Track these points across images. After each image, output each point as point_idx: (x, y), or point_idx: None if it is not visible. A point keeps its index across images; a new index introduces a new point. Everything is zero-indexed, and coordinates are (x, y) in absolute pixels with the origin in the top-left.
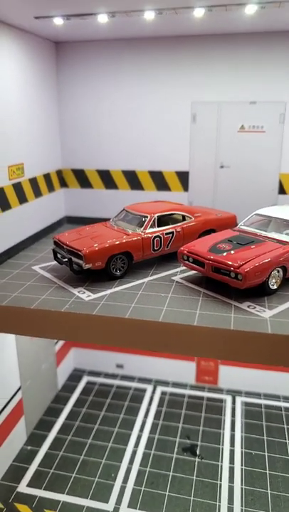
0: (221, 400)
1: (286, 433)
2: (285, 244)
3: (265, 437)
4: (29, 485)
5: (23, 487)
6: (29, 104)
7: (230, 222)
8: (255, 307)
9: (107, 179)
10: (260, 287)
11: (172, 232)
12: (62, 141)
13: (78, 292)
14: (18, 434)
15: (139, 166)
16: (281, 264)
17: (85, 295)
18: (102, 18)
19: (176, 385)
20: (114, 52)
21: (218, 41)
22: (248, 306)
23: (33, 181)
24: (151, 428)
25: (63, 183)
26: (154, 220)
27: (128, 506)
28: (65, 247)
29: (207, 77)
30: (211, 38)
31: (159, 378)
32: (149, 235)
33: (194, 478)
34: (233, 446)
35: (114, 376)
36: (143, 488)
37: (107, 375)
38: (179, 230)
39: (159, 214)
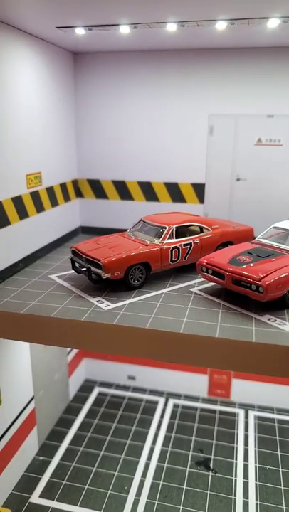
0: (233, 414)
1: None
2: None
3: (279, 452)
4: (42, 496)
5: (35, 498)
6: (47, 113)
7: (248, 235)
8: (275, 320)
9: (123, 190)
10: (280, 300)
11: (190, 244)
12: (79, 152)
13: (97, 302)
14: (31, 444)
15: (155, 178)
16: None
17: (103, 305)
18: (124, 30)
19: (188, 397)
20: (132, 64)
21: (236, 55)
22: (269, 319)
23: (50, 190)
24: (163, 441)
25: (79, 193)
26: (172, 231)
27: None
28: (83, 256)
29: (225, 90)
30: (229, 51)
31: (171, 391)
32: (168, 246)
33: (208, 492)
34: (247, 461)
35: (125, 388)
36: (157, 502)
37: (118, 387)
38: (196, 241)
39: (177, 225)
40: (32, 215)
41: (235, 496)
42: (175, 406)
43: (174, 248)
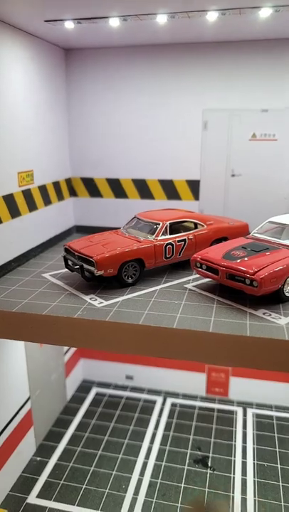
0: (231, 412)
1: None
2: None
3: (277, 449)
4: (39, 496)
5: (32, 498)
6: (38, 111)
7: (243, 231)
8: (270, 314)
9: (117, 188)
10: (274, 294)
11: (184, 240)
12: (72, 149)
13: (90, 299)
14: (27, 445)
15: (149, 175)
16: None
17: (96, 302)
18: (114, 22)
19: (186, 396)
20: (125, 59)
21: (230, 48)
22: (264, 313)
23: (43, 189)
24: (161, 439)
25: (72, 192)
26: (166, 228)
27: None
28: (76, 253)
29: (219, 84)
30: (223, 45)
31: (168, 390)
32: (162, 242)
33: (206, 490)
34: (245, 458)
35: (123, 387)
36: (154, 500)
37: (116, 387)
38: (191, 237)
39: (171, 221)
40: (24, 214)
41: (233, 493)
42: (173, 405)
43: (168, 244)
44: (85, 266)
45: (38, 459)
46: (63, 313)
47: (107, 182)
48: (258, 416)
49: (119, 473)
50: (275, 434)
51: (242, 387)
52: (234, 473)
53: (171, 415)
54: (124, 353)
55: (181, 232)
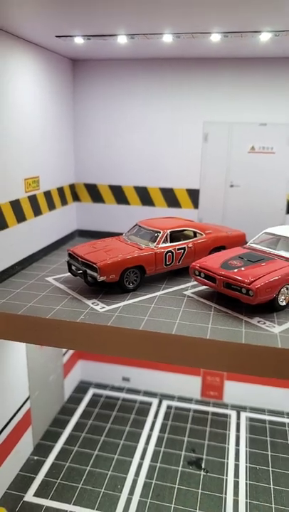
0: (225, 415)
1: None
2: None
3: (269, 452)
4: (36, 495)
5: (29, 496)
6: (46, 119)
7: (240, 240)
8: (265, 322)
9: (119, 195)
10: (269, 303)
11: (184, 248)
12: (76, 157)
13: (92, 304)
14: (25, 444)
15: (151, 183)
16: None
17: (98, 307)
18: (122, 40)
19: (181, 399)
20: (130, 71)
21: (231, 64)
22: (258, 322)
23: (48, 194)
24: (156, 441)
25: (76, 197)
26: (166, 236)
27: None
28: (80, 259)
29: (219, 98)
30: (224, 61)
31: (164, 392)
32: (162, 250)
33: (200, 491)
34: (238, 461)
35: (120, 389)
36: (149, 500)
37: (113, 388)
38: (190, 245)
39: (171, 230)
40: (29, 219)
41: (226, 494)
42: (168, 407)
43: (168, 252)
44: (88, 271)
45: (36, 458)
46: (66, 317)
47: (110, 188)
48: (251, 420)
49: (114, 473)
50: (268, 438)
51: (236, 391)
52: (227, 476)
53: (166, 417)
54: (124, 356)
55: (181, 241)
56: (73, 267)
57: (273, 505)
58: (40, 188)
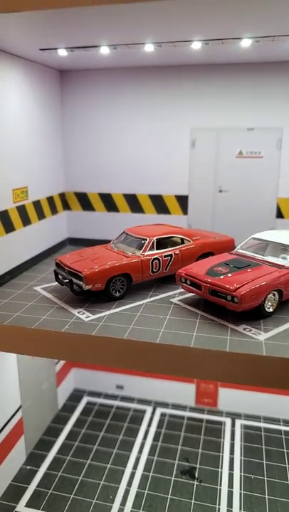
0: (220, 423)
1: (286, 457)
2: (281, 267)
3: (264, 461)
4: (28, 505)
5: (21, 507)
6: (34, 129)
7: (228, 246)
8: (251, 330)
9: (109, 202)
10: (256, 310)
11: (171, 255)
12: (66, 166)
13: (78, 313)
14: (18, 454)
15: (140, 190)
16: (277, 288)
17: (84, 316)
18: (105, 50)
19: (175, 406)
20: (117, 80)
21: (215, 71)
22: (244, 329)
23: (37, 204)
24: (150, 450)
25: (66, 206)
26: (152, 243)
27: None
28: (66, 268)
29: (206, 104)
30: (208, 67)
31: (158, 400)
32: (148, 257)
33: (192, 501)
34: (232, 470)
35: (114, 397)
36: (141, 511)
37: (107, 396)
38: (177, 252)
39: (158, 237)
40: (18, 229)
41: (219, 505)
42: (162, 415)
43: (154, 259)
44: (74, 280)
45: (28, 467)
46: (52, 327)
47: (100, 196)
48: (246, 427)
49: (107, 483)
50: (263, 446)
51: (231, 398)
52: (221, 485)
53: (160, 425)
54: (108, 366)
55: (167, 248)
56: (60, 276)
57: None
58: (29, 198)
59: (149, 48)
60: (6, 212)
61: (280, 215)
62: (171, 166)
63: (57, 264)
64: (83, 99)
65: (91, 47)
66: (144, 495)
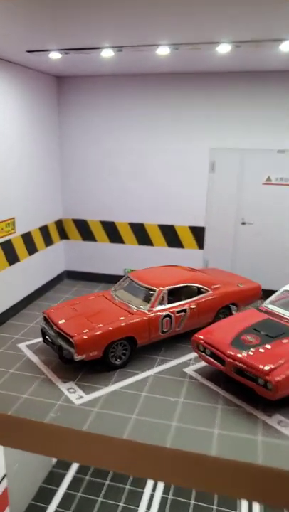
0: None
1: None
2: None
3: None
4: None
5: None
6: (26, 148)
7: (255, 295)
8: (288, 424)
9: (112, 232)
10: None
11: (185, 310)
12: (64, 189)
13: (68, 390)
14: None
15: (149, 219)
16: None
17: (75, 395)
18: (107, 53)
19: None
20: (123, 90)
21: (242, 79)
22: (279, 422)
23: (27, 236)
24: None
25: (64, 235)
26: (163, 296)
27: None
28: (54, 327)
29: (229, 120)
30: (234, 75)
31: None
32: (158, 314)
33: None
34: None
35: None
36: None
37: None
38: (193, 306)
39: (169, 287)
40: (1, 270)
41: None
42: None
43: (165, 317)
44: (64, 345)
45: None
46: (33, 414)
47: (102, 225)
48: None
49: None
50: None
51: None
52: None
53: (166, 491)
54: (105, 469)
55: (181, 300)
56: (47, 337)
57: None
58: (17, 231)
59: (163, 51)
60: None
61: None
62: (186, 193)
63: (45, 319)
64: (84, 111)
65: (90, 49)
66: None
